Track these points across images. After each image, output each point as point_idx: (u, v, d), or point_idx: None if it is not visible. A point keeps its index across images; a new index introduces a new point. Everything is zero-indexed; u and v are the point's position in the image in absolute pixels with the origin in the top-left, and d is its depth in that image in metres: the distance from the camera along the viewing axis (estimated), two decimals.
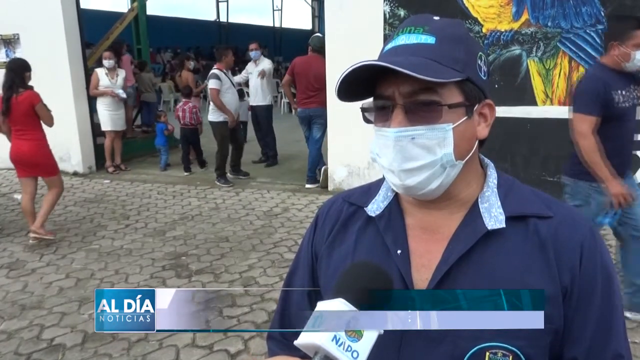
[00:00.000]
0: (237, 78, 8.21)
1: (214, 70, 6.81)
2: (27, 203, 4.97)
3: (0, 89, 4.77)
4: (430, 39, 0.82)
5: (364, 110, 0.88)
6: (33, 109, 4.76)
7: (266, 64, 7.82)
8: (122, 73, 7.75)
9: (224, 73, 6.87)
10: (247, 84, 8.11)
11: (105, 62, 7.47)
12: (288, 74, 7.00)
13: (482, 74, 0.87)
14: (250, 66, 7.96)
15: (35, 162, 4.87)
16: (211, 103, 6.89)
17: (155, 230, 5.31)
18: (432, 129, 0.81)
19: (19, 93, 4.71)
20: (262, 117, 7.90)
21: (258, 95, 7.80)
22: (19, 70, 4.80)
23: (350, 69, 0.80)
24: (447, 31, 0.84)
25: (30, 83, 5.49)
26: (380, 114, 0.85)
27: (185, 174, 7.66)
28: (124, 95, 7.67)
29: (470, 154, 0.86)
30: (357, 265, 0.79)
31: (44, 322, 3.49)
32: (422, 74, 0.76)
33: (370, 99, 0.87)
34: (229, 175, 7.14)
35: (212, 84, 6.69)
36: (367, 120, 0.89)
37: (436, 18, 0.87)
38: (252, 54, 7.81)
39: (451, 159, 0.83)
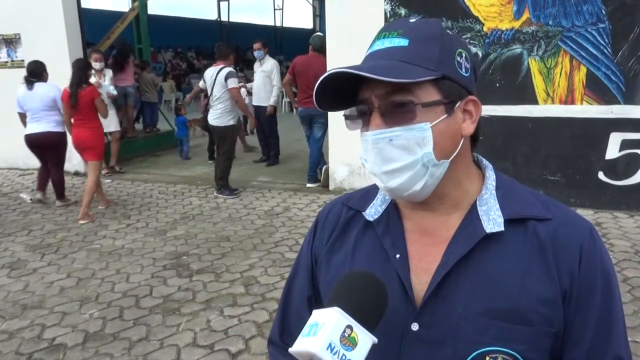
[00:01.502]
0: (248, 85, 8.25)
1: (231, 69, 6.23)
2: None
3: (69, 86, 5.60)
4: (403, 42, 0.82)
5: (345, 117, 0.89)
6: (93, 102, 5.61)
7: (270, 64, 7.72)
8: (108, 73, 7.72)
9: None
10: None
11: (97, 65, 7.32)
12: (289, 73, 6.97)
13: (463, 70, 0.85)
14: (255, 66, 7.93)
15: (94, 145, 5.71)
16: (218, 106, 6.23)
17: (156, 230, 5.31)
18: (408, 129, 0.80)
19: (82, 88, 5.56)
20: (265, 117, 7.84)
21: (261, 96, 7.75)
22: (84, 69, 5.72)
23: (321, 78, 0.81)
24: (421, 31, 0.84)
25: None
26: (362, 120, 0.86)
27: (210, 161, 8.22)
28: (114, 92, 7.56)
29: (456, 152, 0.85)
30: (353, 275, 0.80)
31: (45, 322, 3.50)
32: (388, 75, 0.76)
33: (354, 107, 0.88)
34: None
35: (234, 82, 6.11)
36: (350, 128, 0.89)
37: (412, 20, 0.86)
38: (255, 53, 7.75)
39: (431, 159, 0.82)
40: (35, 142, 5.88)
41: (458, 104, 0.85)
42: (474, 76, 0.88)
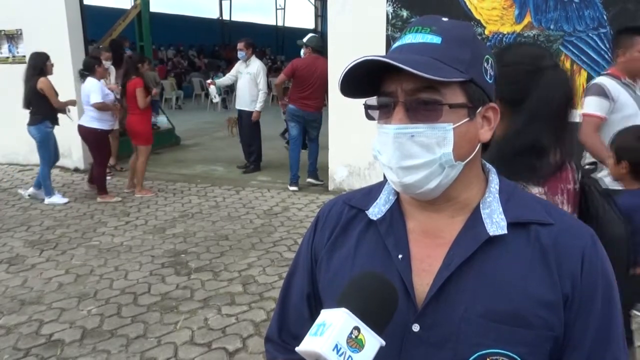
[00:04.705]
0: (223, 80, 7.86)
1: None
2: (133, 163, 6.56)
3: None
4: (436, 39, 0.82)
5: (367, 107, 0.88)
6: (135, 92, 6.19)
7: (257, 65, 7.27)
8: (112, 72, 7.66)
9: None
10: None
11: (107, 63, 7.23)
12: (285, 74, 6.69)
13: (488, 77, 0.86)
14: (240, 66, 7.43)
15: (139, 130, 6.37)
16: None
17: (155, 228, 5.31)
18: (432, 127, 0.81)
19: (130, 79, 6.20)
20: (247, 123, 7.42)
21: (246, 100, 7.33)
22: (135, 61, 6.49)
23: (353, 64, 0.80)
24: (454, 32, 0.84)
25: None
26: (383, 111, 0.85)
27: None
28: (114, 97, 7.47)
29: (471, 156, 0.86)
30: (363, 276, 0.79)
31: (43, 318, 3.50)
32: (423, 71, 0.75)
33: (374, 97, 0.87)
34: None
35: None
36: (369, 117, 0.88)
37: (445, 19, 0.86)
38: (239, 54, 7.33)
39: (450, 159, 0.82)
40: (79, 133, 6.37)
41: (480, 109, 0.85)
42: (495, 83, 0.89)
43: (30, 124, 5.95)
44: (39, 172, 6.22)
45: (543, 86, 1.36)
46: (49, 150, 6.05)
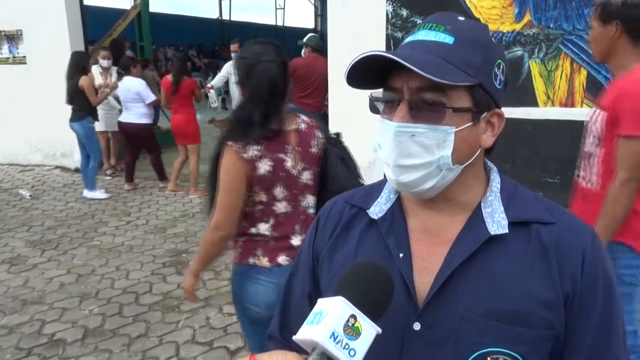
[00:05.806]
0: (217, 82, 7.83)
1: None
2: (177, 164, 6.52)
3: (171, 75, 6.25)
4: (448, 39, 0.82)
5: (373, 99, 0.87)
6: (193, 92, 6.33)
7: None
8: (114, 71, 7.65)
9: None
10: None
11: (104, 62, 7.23)
12: None
13: (498, 82, 0.85)
14: (232, 67, 7.38)
15: (185, 131, 6.32)
16: None
17: (156, 227, 5.32)
18: (433, 129, 0.80)
19: (184, 79, 6.21)
20: None
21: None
22: (185, 61, 6.63)
23: (361, 57, 0.80)
24: (468, 34, 0.84)
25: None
26: (387, 106, 0.85)
27: None
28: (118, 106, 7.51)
29: (471, 160, 0.85)
30: (360, 265, 0.79)
31: (45, 317, 3.51)
32: (430, 72, 0.75)
33: (381, 89, 0.87)
34: None
35: None
36: (374, 110, 0.88)
37: (461, 18, 0.86)
38: (233, 55, 7.24)
39: (448, 162, 0.82)
40: (121, 130, 6.61)
41: (484, 114, 0.85)
42: (504, 88, 0.88)
43: (72, 120, 6.16)
44: (87, 168, 6.40)
45: (255, 77, 1.90)
46: (96, 142, 6.29)
